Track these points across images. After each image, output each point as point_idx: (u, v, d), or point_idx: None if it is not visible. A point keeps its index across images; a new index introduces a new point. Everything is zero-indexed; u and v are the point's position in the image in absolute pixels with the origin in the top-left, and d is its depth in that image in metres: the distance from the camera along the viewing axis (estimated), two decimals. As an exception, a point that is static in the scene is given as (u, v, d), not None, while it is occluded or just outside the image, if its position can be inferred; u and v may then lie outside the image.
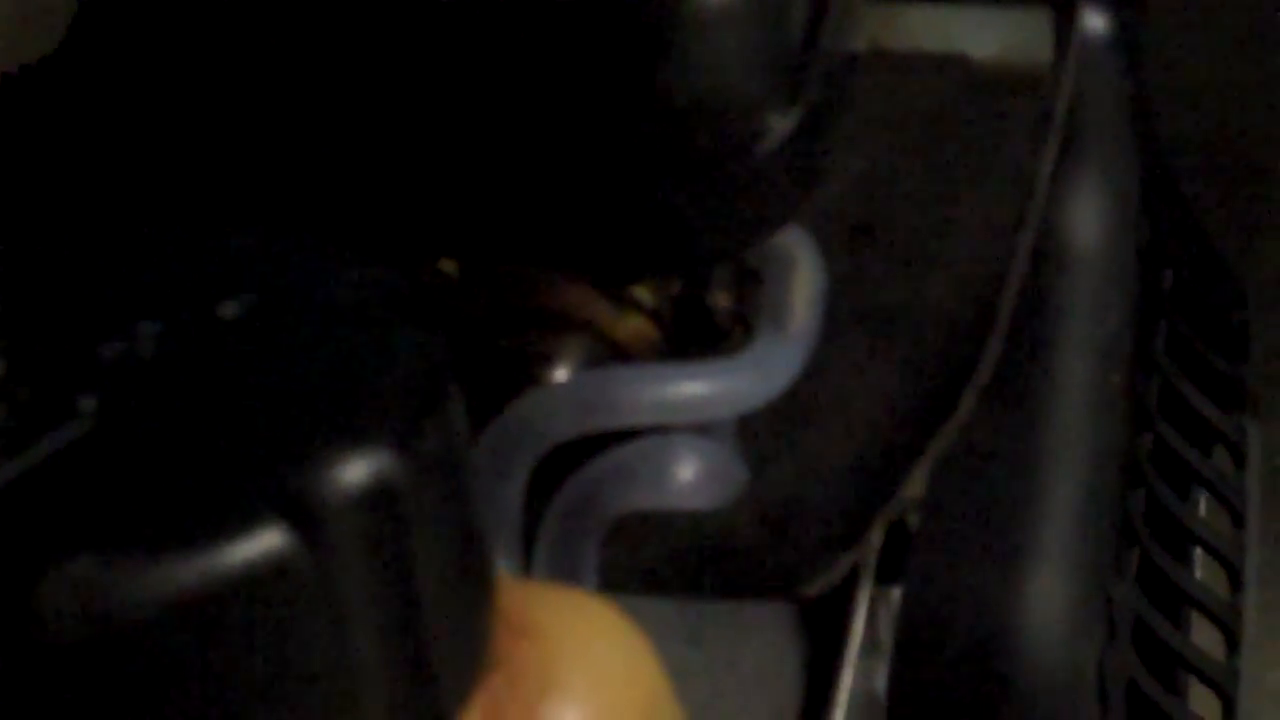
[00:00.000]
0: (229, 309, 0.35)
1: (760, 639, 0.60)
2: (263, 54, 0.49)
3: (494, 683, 0.40)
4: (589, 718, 0.41)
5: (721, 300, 0.51)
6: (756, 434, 0.53)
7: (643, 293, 0.51)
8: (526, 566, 0.50)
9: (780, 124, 0.45)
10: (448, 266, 0.52)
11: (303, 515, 0.31)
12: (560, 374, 0.51)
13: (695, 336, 0.52)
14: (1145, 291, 0.75)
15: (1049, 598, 0.57)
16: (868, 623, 0.61)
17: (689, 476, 0.49)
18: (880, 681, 0.61)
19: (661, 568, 0.53)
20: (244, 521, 0.31)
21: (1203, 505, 0.81)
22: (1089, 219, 0.62)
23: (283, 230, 0.37)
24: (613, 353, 0.51)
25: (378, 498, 0.32)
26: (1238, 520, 0.79)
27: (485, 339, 0.51)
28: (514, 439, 0.48)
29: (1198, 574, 0.79)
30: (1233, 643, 0.77)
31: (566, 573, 0.49)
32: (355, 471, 0.32)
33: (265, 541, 0.31)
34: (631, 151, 0.45)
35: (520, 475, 0.49)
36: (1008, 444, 0.58)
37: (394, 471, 0.33)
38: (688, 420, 0.50)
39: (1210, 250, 0.79)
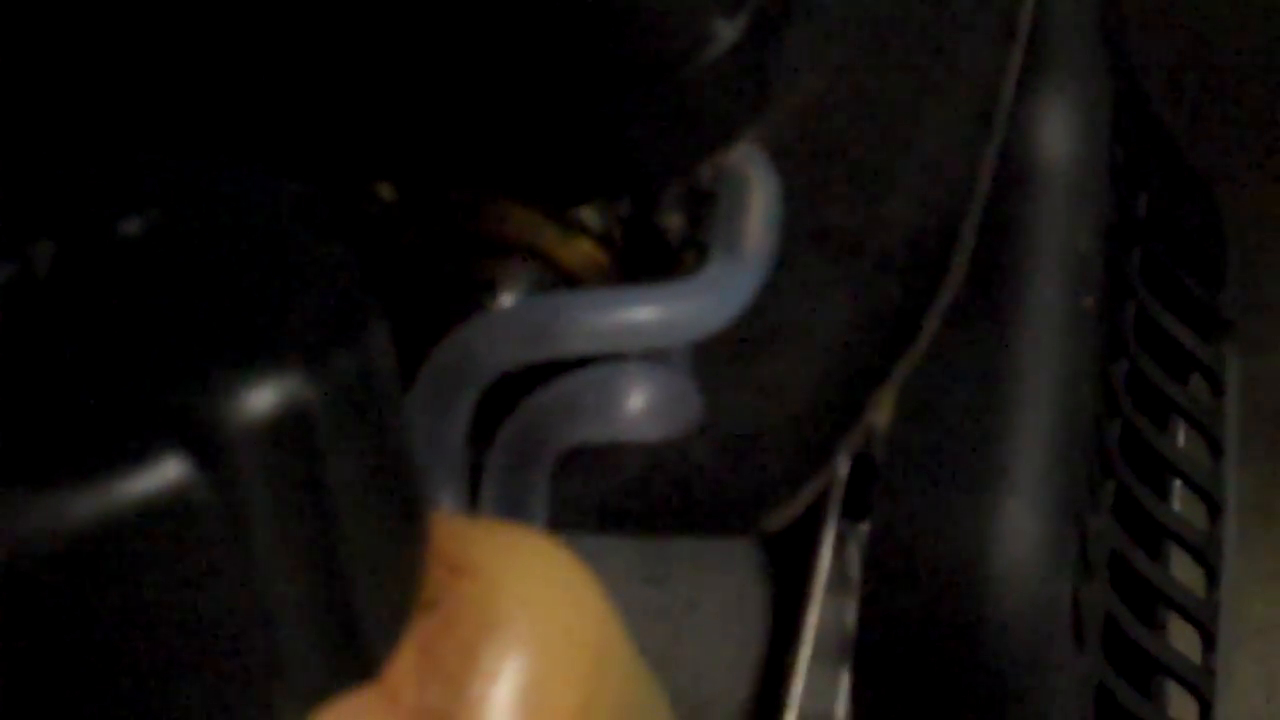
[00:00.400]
0: (129, 226, 0.33)
1: (724, 577, 0.58)
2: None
3: (430, 623, 0.38)
4: (530, 657, 0.39)
5: (674, 223, 0.49)
6: (714, 361, 0.51)
7: (590, 216, 0.49)
8: (473, 502, 0.48)
9: (725, 30, 0.42)
10: (387, 191, 0.49)
11: (204, 443, 0.29)
12: (506, 301, 0.49)
13: (647, 261, 0.49)
14: (1120, 215, 0.73)
15: (1020, 530, 0.55)
16: (836, 558, 0.59)
17: (639, 407, 0.47)
18: (850, 618, 0.59)
19: (618, 501, 0.51)
20: (141, 451, 0.29)
21: (1181, 435, 0.79)
22: (1058, 136, 0.59)
23: (190, 148, 0.35)
24: (561, 278, 0.49)
25: (286, 423, 0.30)
26: (1216, 450, 0.77)
27: (427, 266, 0.49)
28: (455, 369, 0.46)
29: (1175, 506, 0.77)
30: (1212, 575, 0.75)
31: (514, 508, 0.47)
32: (261, 396, 0.30)
33: (164, 472, 0.29)
34: (570, 63, 0.43)
35: (463, 407, 0.46)
36: (975, 371, 0.56)
37: (304, 395, 0.30)
38: (639, 347, 0.48)
39: (1186, 174, 0.76)
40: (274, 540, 0.31)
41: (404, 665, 0.37)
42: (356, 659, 0.33)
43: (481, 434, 0.48)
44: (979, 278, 0.59)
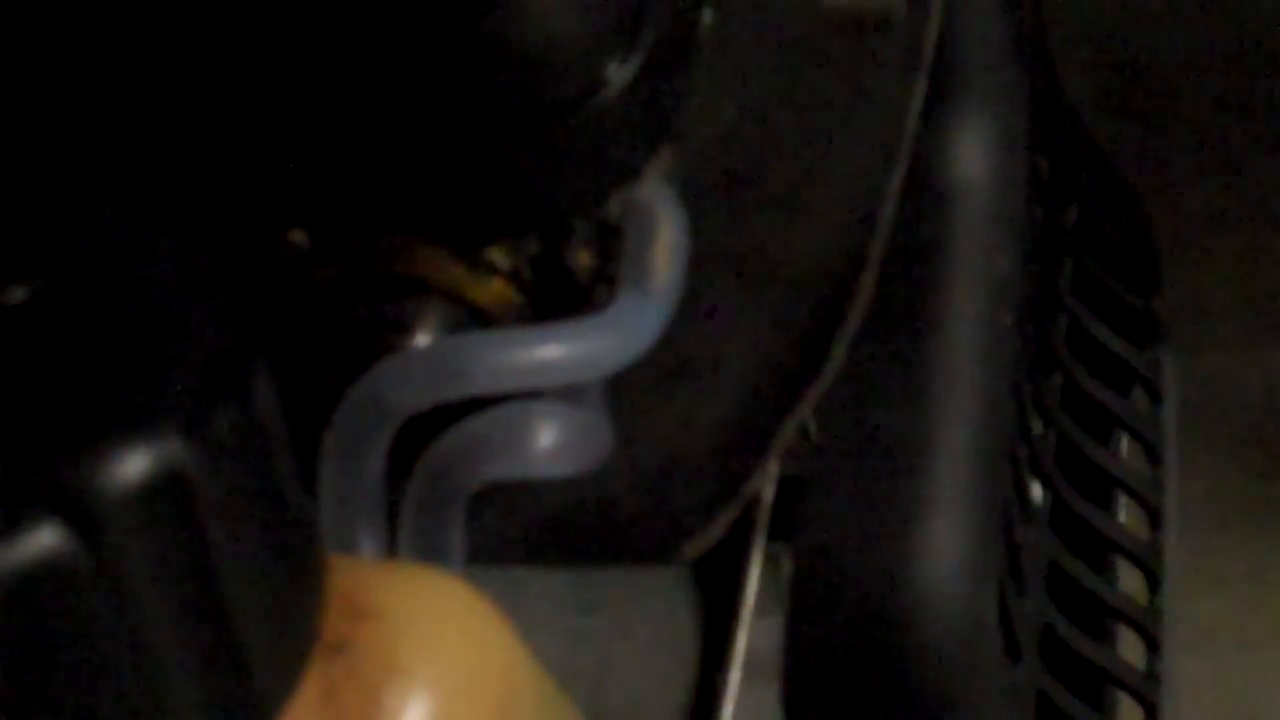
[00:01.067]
0: (13, 294, 0.34)
1: (655, 603, 0.59)
2: (95, 22, 0.47)
3: (334, 667, 0.39)
4: (434, 700, 0.39)
5: (583, 259, 0.50)
6: (631, 392, 0.51)
7: (498, 255, 0.49)
8: (392, 545, 0.48)
9: (618, 73, 0.43)
10: (298, 236, 0.50)
11: (80, 512, 0.30)
12: (420, 342, 0.50)
13: (559, 298, 0.50)
14: (1047, 228, 0.74)
15: (942, 546, 0.55)
16: (767, 581, 0.60)
17: (547, 443, 0.47)
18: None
19: (539, 534, 0.51)
20: (15, 521, 0.30)
21: (1124, 445, 0.80)
22: (973, 157, 0.60)
23: (79, 208, 0.35)
24: (473, 318, 0.50)
25: (163, 488, 0.31)
26: (1154, 458, 0.78)
27: (341, 309, 0.50)
28: (366, 411, 0.47)
29: (1122, 517, 0.78)
30: (1154, 582, 0.76)
31: (431, 549, 0.47)
32: (135, 463, 0.31)
33: (39, 541, 0.30)
34: (466, 108, 0.44)
35: (375, 450, 0.47)
36: (897, 391, 0.57)
37: (180, 459, 0.31)
38: (548, 384, 0.48)
39: (1115, 183, 0.77)
40: (157, 602, 0.31)
41: (304, 710, 0.37)
42: (249, 710, 0.33)
43: (399, 474, 0.49)
44: (899, 298, 0.60)
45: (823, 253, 0.52)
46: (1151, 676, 0.73)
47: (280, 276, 0.49)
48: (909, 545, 0.55)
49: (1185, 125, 0.89)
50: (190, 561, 0.32)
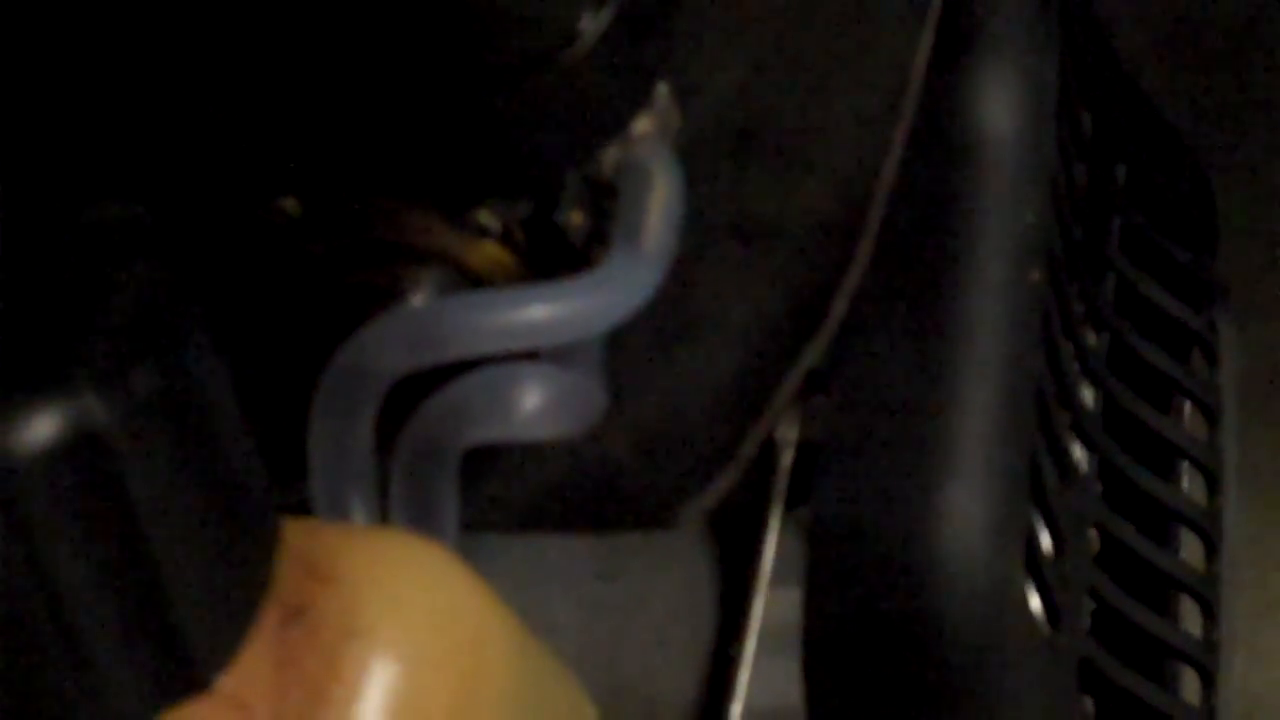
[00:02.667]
0: (-58, 256, 0.33)
1: (673, 572, 0.58)
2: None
3: (293, 631, 0.38)
4: (397, 663, 0.39)
5: (576, 219, 0.49)
6: (633, 354, 0.51)
7: (488, 218, 0.49)
8: (384, 508, 0.48)
9: (592, 24, 0.42)
10: (289, 204, 0.50)
11: (-13, 470, 0.30)
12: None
13: (554, 259, 0.49)
14: (1093, 186, 0.72)
15: (963, 510, 0.54)
16: (789, 550, 0.59)
17: (533, 405, 0.47)
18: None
19: (540, 500, 0.51)
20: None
21: (1186, 411, 0.78)
22: (997, 109, 0.59)
23: (13, 166, 0.35)
24: (468, 282, 0.49)
25: (78, 447, 0.30)
26: (1212, 420, 0.76)
27: (331, 277, 0.49)
28: (353, 377, 0.46)
29: (1185, 483, 0.76)
30: (1211, 548, 0.74)
31: (422, 515, 0.47)
32: (47, 422, 0.30)
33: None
34: (439, 66, 0.43)
35: (363, 416, 0.47)
36: (917, 352, 0.56)
37: (97, 419, 0.31)
38: (537, 345, 0.48)
39: (1169, 139, 0.75)
40: (74, 563, 0.31)
41: (257, 675, 0.37)
42: (183, 674, 0.33)
43: (390, 441, 0.48)
44: (920, 255, 0.59)
45: (824, 209, 0.50)
46: (1209, 644, 0.71)
47: (272, 245, 0.49)
48: (928, 509, 0.54)
49: (1256, 80, 0.87)
50: (112, 525, 0.31)
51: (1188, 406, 0.78)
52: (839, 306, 0.49)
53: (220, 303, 0.48)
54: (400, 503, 0.47)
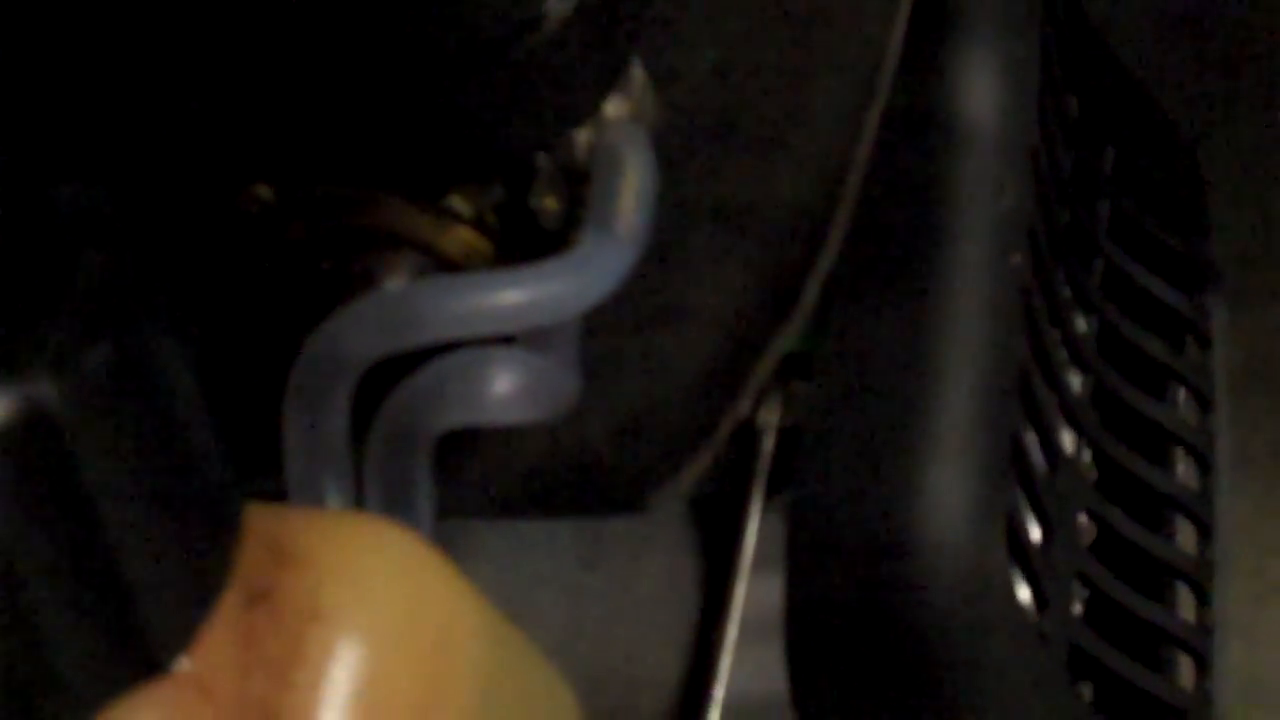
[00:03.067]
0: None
1: (656, 558, 0.58)
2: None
3: (257, 615, 0.38)
4: (361, 646, 0.39)
5: (550, 204, 0.49)
6: (610, 339, 0.51)
7: (461, 202, 0.48)
8: (359, 494, 0.48)
9: (556, 7, 0.42)
10: (264, 192, 0.50)
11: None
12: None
13: (528, 244, 0.49)
14: (1080, 170, 0.72)
15: (942, 493, 0.54)
16: (774, 535, 0.59)
17: (504, 390, 0.47)
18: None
19: (518, 487, 0.51)
20: None
21: (1180, 397, 0.78)
22: (979, 91, 0.58)
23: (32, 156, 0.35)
24: (443, 268, 0.49)
25: (27, 427, 0.30)
26: (1204, 405, 0.75)
27: (306, 264, 0.49)
28: (325, 363, 0.46)
29: (1179, 469, 0.75)
30: (1204, 532, 0.74)
31: (396, 500, 0.47)
32: (-3, 402, 0.30)
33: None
34: (404, 51, 0.43)
35: (336, 401, 0.46)
36: (898, 335, 0.55)
37: (48, 400, 0.30)
38: (509, 329, 0.48)
39: (1158, 122, 0.75)
40: (27, 545, 0.31)
41: (219, 657, 0.37)
42: (140, 657, 0.33)
43: (365, 426, 0.48)
44: (898, 238, 0.58)
45: (800, 193, 0.50)
46: (1203, 629, 0.70)
47: (246, 232, 0.49)
48: (907, 492, 0.53)
49: (1248, 64, 0.86)
50: (65, 507, 0.31)
51: (1181, 392, 0.77)
52: (813, 290, 0.49)
53: (193, 289, 0.48)
54: (374, 488, 0.47)
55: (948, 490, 0.55)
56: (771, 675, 0.57)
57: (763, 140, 0.52)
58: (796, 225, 0.50)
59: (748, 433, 0.58)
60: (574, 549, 0.57)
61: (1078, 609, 0.68)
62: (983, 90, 0.59)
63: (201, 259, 0.48)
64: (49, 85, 0.47)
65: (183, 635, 0.34)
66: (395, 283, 0.49)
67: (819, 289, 0.49)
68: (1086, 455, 0.70)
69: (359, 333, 0.46)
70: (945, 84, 0.59)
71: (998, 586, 0.57)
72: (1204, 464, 0.75)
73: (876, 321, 0.57)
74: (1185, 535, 0.76)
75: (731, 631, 0.54)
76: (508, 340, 0.49)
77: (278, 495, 0.49)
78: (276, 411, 0.48)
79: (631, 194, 0.48)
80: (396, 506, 0.47)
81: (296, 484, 0.47)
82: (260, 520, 0.39)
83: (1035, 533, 0.64)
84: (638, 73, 0.51)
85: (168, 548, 0.34)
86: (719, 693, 0.54)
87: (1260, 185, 0.91)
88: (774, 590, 0.59)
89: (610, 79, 0.46)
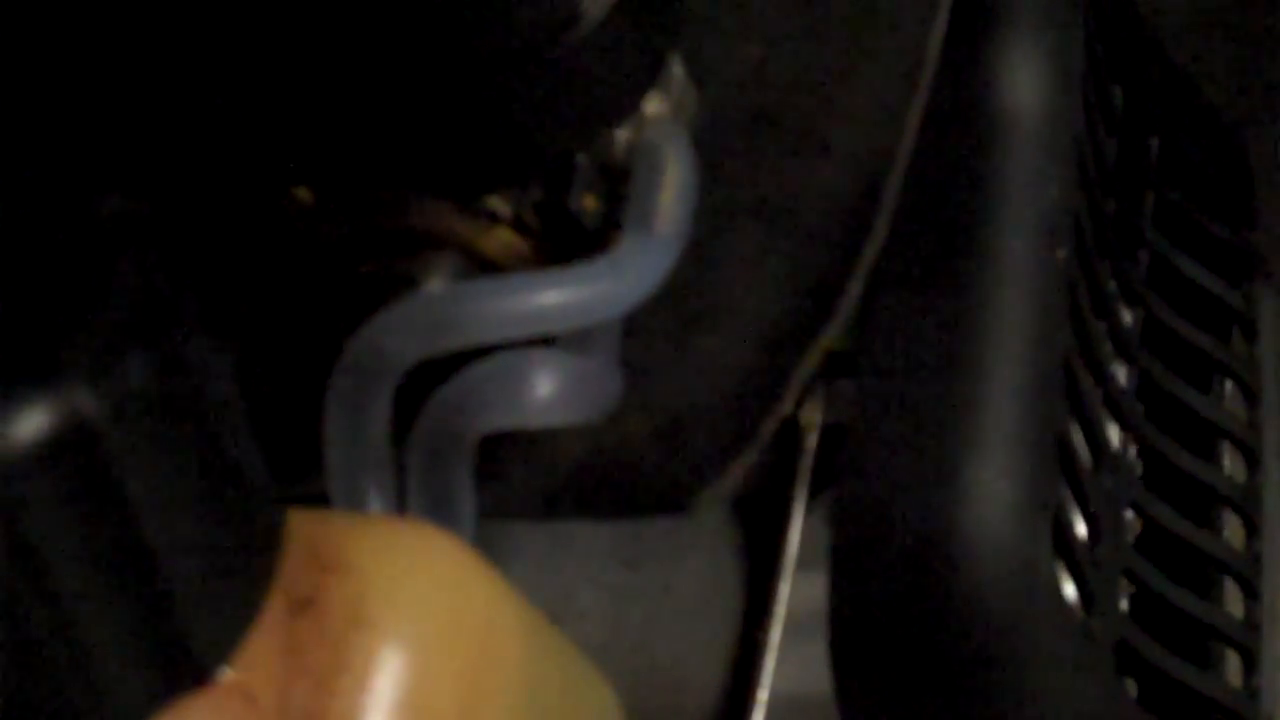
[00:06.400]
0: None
1: (699, 558, 0.58)
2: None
3: (302, 623, 0.38)
4: (405, 653, 0.39)
5: (590, 203, 0.49)
6: (652, 339, 0.50)
7: (500, 203, 0.48)
8: (401, 499, 0.48)
9: (594, 5, 0.42)
10: (303, 194, 0.49)
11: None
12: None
13: (568, 245, 0.49)
14: (1125, 160, 0.71)
15: (988, 490, 0.53)
16: (817, 534, 0.58)
17: (545, 392, 0.46)
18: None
19: (560, 487, 0.50)
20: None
21: (1227, 389, 0.77)
22: (1023, 84, 0.58)
23: (15, 158, 0.35)
24: (482, 268, 0.49)
25: (68, 439, 0.30)
26: (1250, 398, 0.75)
27: (346, 266, 0.49)
28: (366, 366, 0.46)
29: (1226, 462, 0.75)
30: (1251, 527, 0.73)
31: (438, 503, 0.47)
32: (37, 414, 0.30)
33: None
34: (440, 52, 0.43)
35: (378, 404, 0.46)
36: (942, 332, 0.55)
37: (85, 409, 0.30)
38: (549, 331, 0.47)
39: (1205, 111, 0.74)
40: (69, 557, 0.31)
41: (263, 666, 0.37)
42: (184, 667, 0.33)
43: (406, 430, 0.48)
44: (943, 234, 0.58)
45: (841, 190, 0.50)
46: (1251, 625, 0.70)
47: (285, 235, 0.48)
48: (952, 490, 0.53)
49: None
50: (107, 517, 0.31)
51: (1228, 385, 0.77)
52: (855, 287, 0.48)
53: (234, 293, 0.48)
54: (416, 492, 0.47)
55: (993, 488, 0.55)
56: (816, 675, 0.57)
57: (804, 137, 0.51)
58: (838, 222, 0.49)
59: (790, 431, 0.57)
60: (616, 550, 0.57)
61: (1124, 605, 0.67)
62: (1026, 82, 0.58)
63: (242, 263, 0.48)
64: (86, 91, 0.47)
65: (226, 644, 0.34)
66: (435, 285, 0.49)
67: (861, 286, 0.49)
68: (1132, 450, 0.70)
69: (399, 335, 0.46)
70: (987, 77, 0.58)
71: (1044, 584, 0.57)
72: (1251, 457, 0.74)
73: (920, 318, 0.57)
74: (1232, 530, 0.76)
75: (775, 631, 0.54)
76: (548, 342, 0.49)
77: (319, 499, 0.48)
78: (318, 415, 0.47)
79: (672, 193, 0.48)
80: (438, 509, 0.47)
81: (338, 488, 0.47)
82: (302, 526, 0.39)
83: (1081, 529, 0.64)
84: (677, 70, 0.51)
85: (210, 556, 0.33)
86: (763, 694, 0.54)
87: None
88: (818, 590, 0.59)
89: (650, 76, 0.45)
